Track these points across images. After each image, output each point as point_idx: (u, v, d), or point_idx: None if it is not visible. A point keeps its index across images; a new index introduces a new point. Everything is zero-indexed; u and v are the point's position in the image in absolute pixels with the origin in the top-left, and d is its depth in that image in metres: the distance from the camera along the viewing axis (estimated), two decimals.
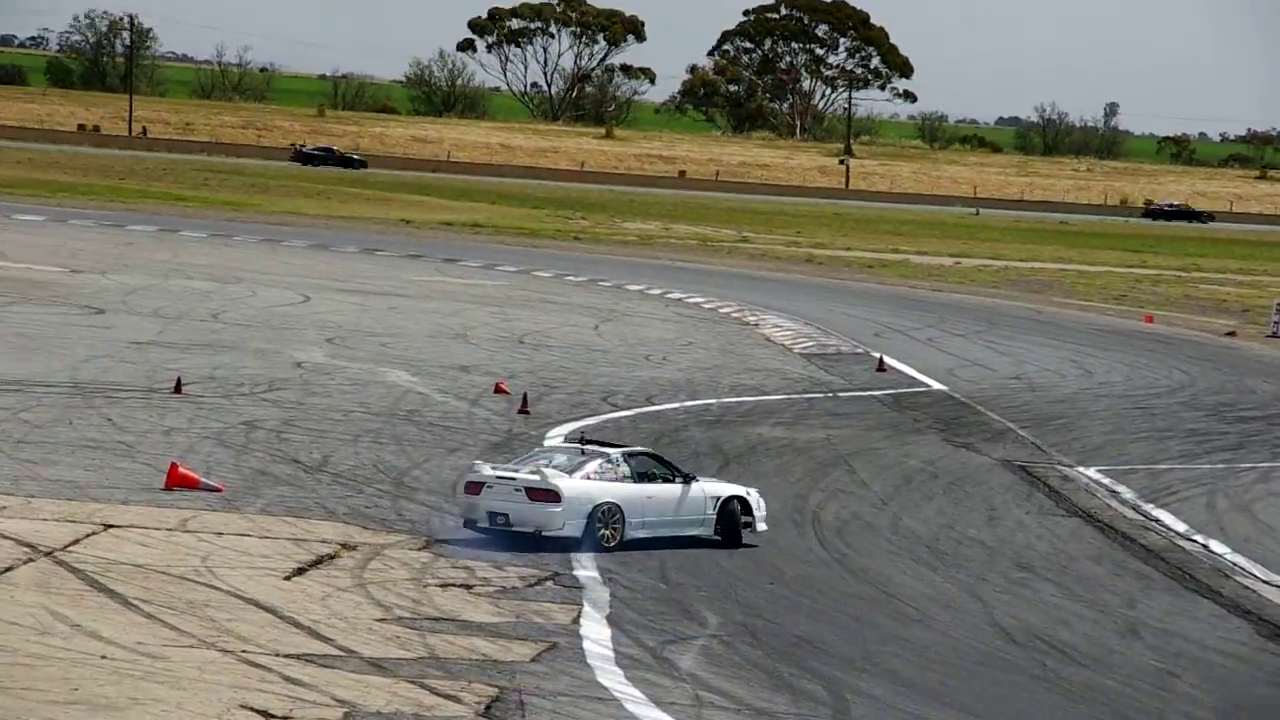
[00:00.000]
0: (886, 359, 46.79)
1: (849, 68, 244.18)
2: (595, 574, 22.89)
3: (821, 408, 38.68)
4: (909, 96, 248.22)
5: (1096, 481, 31.49)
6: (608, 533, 24.61)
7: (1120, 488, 30.92)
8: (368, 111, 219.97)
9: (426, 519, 25.23)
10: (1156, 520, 28.49)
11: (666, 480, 25.71)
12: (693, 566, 23.94)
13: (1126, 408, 41.41)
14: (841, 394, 41.04)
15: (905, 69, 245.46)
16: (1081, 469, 32.65)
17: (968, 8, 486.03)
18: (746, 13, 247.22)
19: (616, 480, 25.15)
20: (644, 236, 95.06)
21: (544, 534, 24.29)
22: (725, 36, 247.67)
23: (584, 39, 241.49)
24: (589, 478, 24.93)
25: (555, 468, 24.98)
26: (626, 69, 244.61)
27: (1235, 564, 26.00)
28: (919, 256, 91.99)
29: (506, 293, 59.54)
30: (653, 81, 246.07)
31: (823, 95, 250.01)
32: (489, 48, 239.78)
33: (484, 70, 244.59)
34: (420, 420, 33.09)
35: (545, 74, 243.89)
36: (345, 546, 23.10)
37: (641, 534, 25.07)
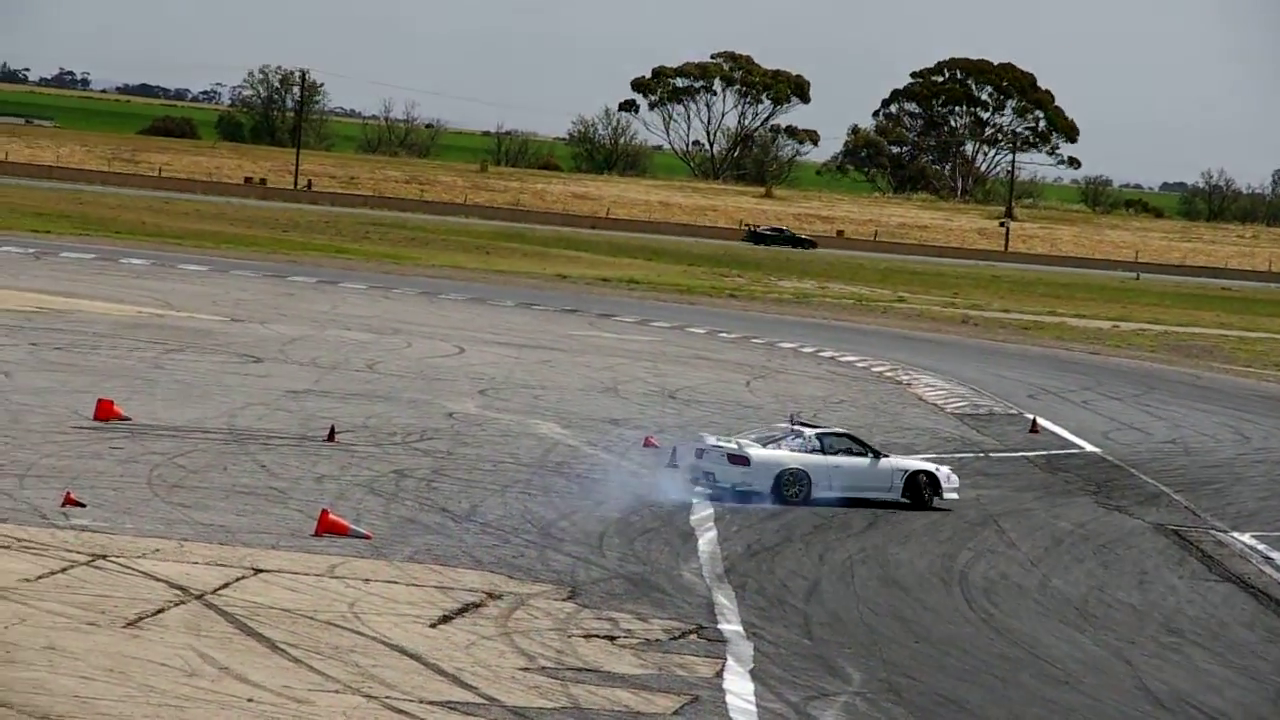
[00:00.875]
0: (1040, 420, 46.37)
1: (1015, 130, 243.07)
2: (739, 628, 22.84)
3: (972, 467, 38.36)
4: (1073, 162, 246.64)
5: (1251, 547, 31.01)
6: (794, 491, 32.05)
7: (1275, 554, 30.44)
8: (530, 168, 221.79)
9: (572, 569, 25.28)
10: None
11: (858, 455, 32.97)
12: (837, 622, 23.82)
13: None
14: (993, 454, 40.73)
15: (1071, 132, 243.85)
16: (1236, 534, 32.17)
17: (1135, 72, 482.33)
18: (913, 75, 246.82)
19: (806, 452, 32.60)
20: (799, 295, 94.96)
21: (738, 489, 31.91)
22: (892, 97, 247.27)
23: (749, 98, 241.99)
24: (780, 449, 32.59)
25: (757, 441, 32.93)
26: (790, 130, 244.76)
27: None
28: (1077, 319, 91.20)
29: (659, 348, 59.66)
30: (815, 143, 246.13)
31: (986, 158, 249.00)
32: (652, 106, 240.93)
33: (646, 128, 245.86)
34: (569, 472, 33.21)
35: (708, 132, 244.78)
36: (491, 595, 23.20)
37: (829, 494, 32.32)
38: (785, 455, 32.39)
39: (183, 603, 21.33)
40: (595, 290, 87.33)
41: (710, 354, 59.31)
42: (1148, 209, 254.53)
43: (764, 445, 32.75)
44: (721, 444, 32.93)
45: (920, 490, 32.74)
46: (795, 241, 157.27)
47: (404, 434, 35.90)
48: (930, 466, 33.45)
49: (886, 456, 33.36)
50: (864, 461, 32.86)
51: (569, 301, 77.58)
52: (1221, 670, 23.20)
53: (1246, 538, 31.87)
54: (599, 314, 72.07)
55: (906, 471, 32.97)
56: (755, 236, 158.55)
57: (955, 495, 32.79)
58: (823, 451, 32.69)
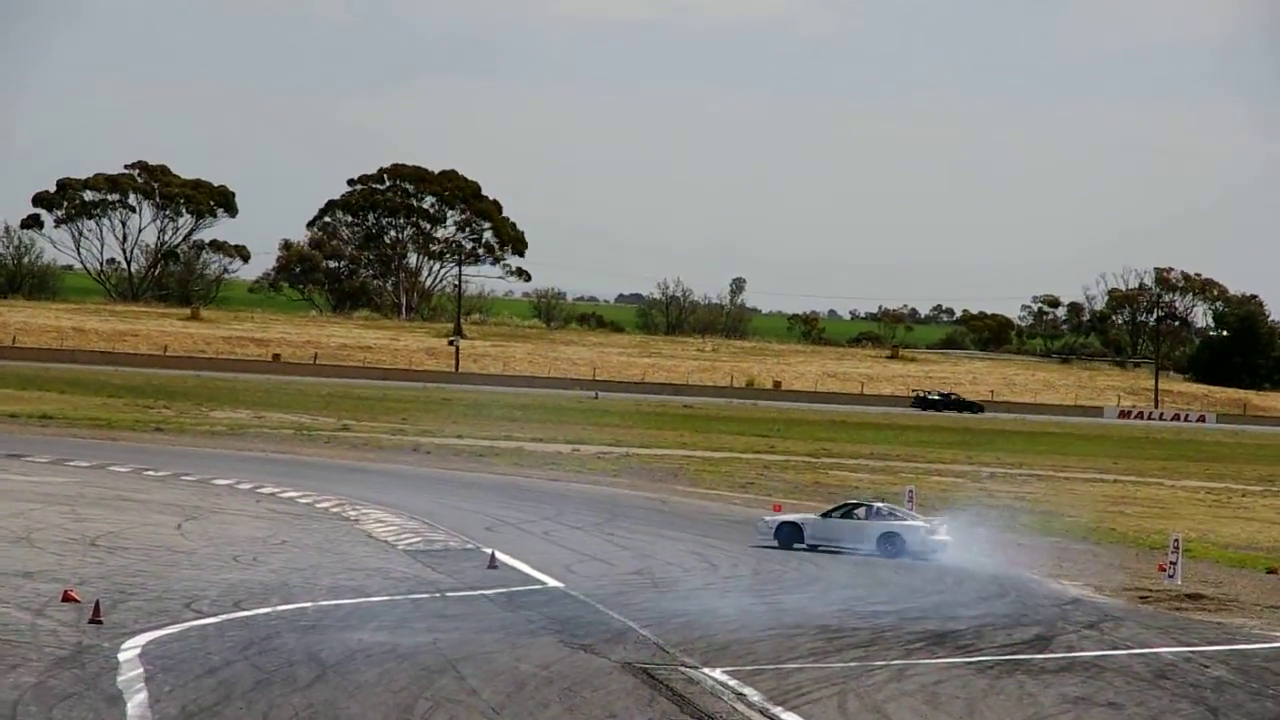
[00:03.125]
0: (499, 555, 46.90)
1: (459, 241, 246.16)
2: None
3: (428, 609, 38.53)
4: (523, 274, 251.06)
5: (722, 683, 31.80)
6: None
7: (747, 689, 31.27)
8: None
9: None
10: None
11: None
12: None
13: (753, 603, 42.03)
14: (450, 594, 40.96)
15: (519, 243, 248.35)
16: (707, 670, 32.97)
17: (583, 182, 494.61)
18: (351, 182, 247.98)
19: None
20: (234, 426, 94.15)
21: (935, 555, 52.80)
22: (327, 208, 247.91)
23: (168, 212, 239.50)
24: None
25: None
26: (216, 244, 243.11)
27: None
28: (534, 444, 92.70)
29: (78, 490, 58.38)
30: (245, 259, 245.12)
31: (431, 272, 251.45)
32: (59, 222, 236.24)
33: (55, 246, 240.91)
34: None
35: (124, 250, 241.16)
36: None
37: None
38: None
39: None
40: (2, 428, 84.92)
41: (136, 494, 58.29)
42: (604, 323, 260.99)
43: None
44: (924, 523, 54.07)
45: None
46: (963, 405, 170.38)
47: None
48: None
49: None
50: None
51: None
52: None
53: (718, 673, 32.70)
54: (7, 454, 70.20)
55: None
56: (923, 403, 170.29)
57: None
58: None
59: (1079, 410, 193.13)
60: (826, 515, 54.97)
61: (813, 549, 53.66)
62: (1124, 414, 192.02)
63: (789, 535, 54.35)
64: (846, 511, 54.77)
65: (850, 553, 53.14)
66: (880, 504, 55.58)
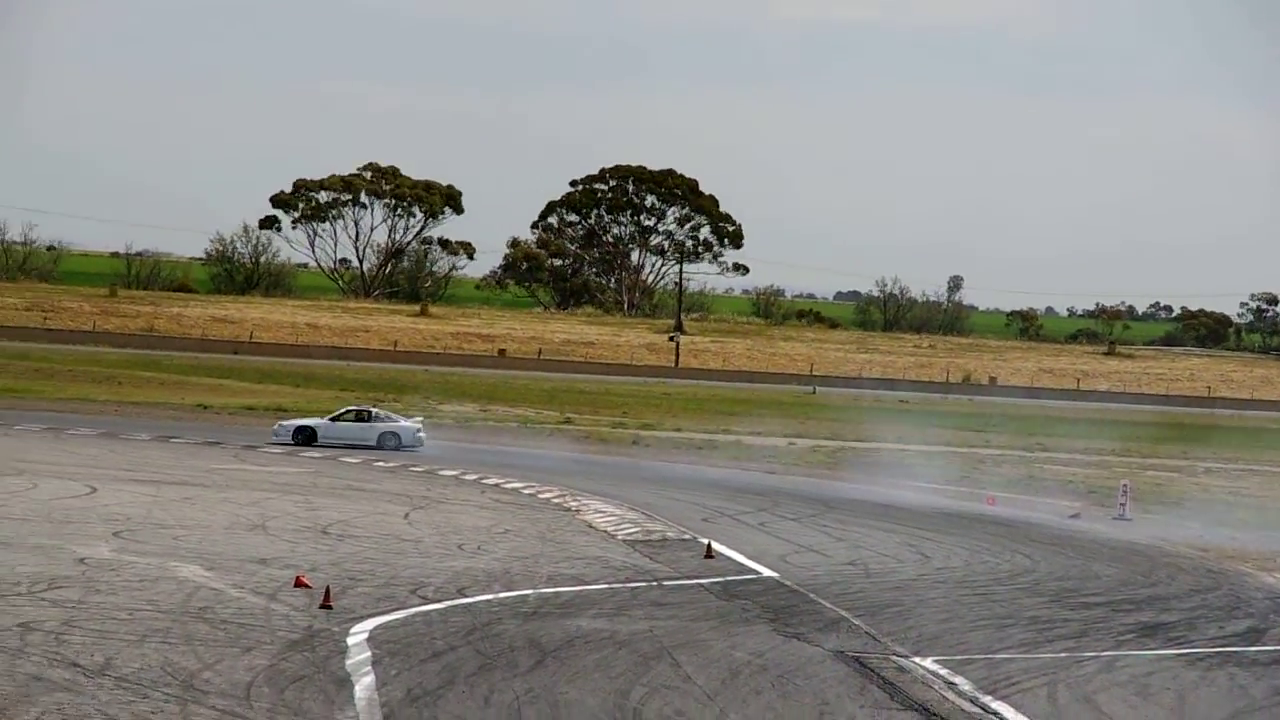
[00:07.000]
0: (715, 545, 47.05)
1: (678, 238, 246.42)
2: None
3: (646, 598, 38.75)
4: (741, 269, 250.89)
5: (933, 672, 31.73)
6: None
7: (958, 678, 31.17)
8: (164, 290, 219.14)
9: None
10: (995, 713, 28.74)
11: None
12: None
13: (965, 594, 41.86)
14: (667, 583, 41.16)
15: (736, 238, 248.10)
16: (918, 659, 32.91)
17: (802, 181, 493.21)
18: (574, 183, 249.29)
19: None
20: (460, 419, 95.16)
21: (419, 448, 71.37)
22: (550, 208, 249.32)
23: (398, 211, 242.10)
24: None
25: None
26: (444, 243, 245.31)
27: None
28: (752, 437, 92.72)
29: (311, 480, 59.34)
30: (472, 256, 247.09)
31: (652, 269, 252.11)
32: (295, 223, 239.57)
33: (290, 246, 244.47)
34: (213, 618, 32.80)
35: (356, 248, 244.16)
36: None
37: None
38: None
39: None
40: (240, 420, 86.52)
41: (365, 484, 59.15)
42: (821, 319, 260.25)
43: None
44: (412, 423, 73.33)
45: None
46: None
47: (30, 583, 35.13)
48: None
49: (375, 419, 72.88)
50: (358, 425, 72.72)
51: (211, 433, 76.79)
52: None
53: (928, 662, 32.62)
54: (244, 445, 71.46)
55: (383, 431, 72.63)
56: None
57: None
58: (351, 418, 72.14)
59: None
60: (335, 419, 72.45)
61: (331, 448, 70.95)
62: None
63: (306, 437, 71.39)
64: (357, 415, 72.76)
65: (360, 448, 71.37)
66: (375, 409, 75.09)
